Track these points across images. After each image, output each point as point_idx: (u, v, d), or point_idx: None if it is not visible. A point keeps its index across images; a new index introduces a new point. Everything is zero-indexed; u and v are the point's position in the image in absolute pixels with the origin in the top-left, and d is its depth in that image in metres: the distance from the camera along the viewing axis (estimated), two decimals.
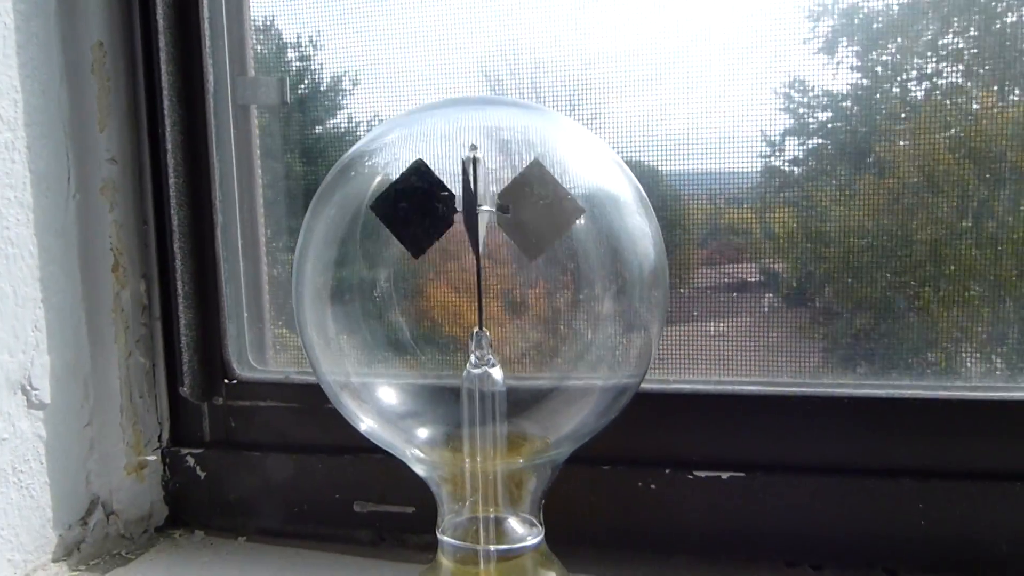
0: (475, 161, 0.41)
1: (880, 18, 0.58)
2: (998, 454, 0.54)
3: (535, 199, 0.41)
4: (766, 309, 0.62)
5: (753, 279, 0.62)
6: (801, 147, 0.60)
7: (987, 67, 0.56)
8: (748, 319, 0.62)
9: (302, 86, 0.68)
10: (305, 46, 0.67)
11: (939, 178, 0.57)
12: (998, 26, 0.56)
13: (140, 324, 0.66)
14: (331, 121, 0.69)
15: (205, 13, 0.64)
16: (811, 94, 0.58)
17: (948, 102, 0.57)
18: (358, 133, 0.68)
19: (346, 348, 0.45)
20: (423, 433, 0.46)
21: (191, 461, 0.67)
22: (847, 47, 0.58)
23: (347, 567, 0.60)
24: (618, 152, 0.58)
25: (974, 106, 0.56)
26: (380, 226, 0.44)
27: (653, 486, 0.58)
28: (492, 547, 0.44)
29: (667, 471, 0.58)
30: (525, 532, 0.45)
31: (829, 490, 0.56)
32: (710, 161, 0.60)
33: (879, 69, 0.58)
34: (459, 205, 0.42)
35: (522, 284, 0.46)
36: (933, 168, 0.57)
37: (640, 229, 0.45)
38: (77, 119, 0.61)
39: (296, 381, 0.66)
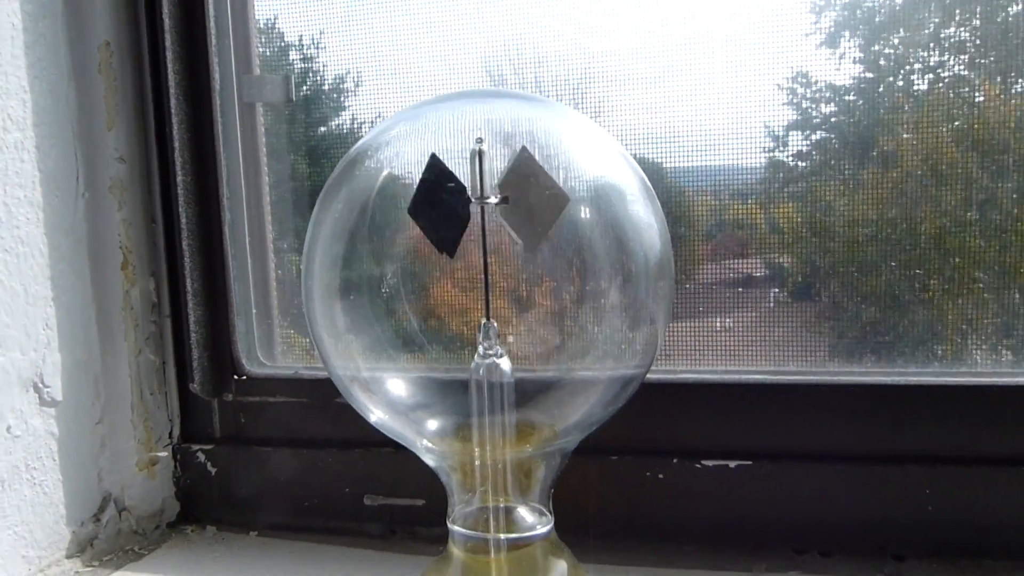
0: (480, 154, 0.42)
1: (883, 10, 0.58)
2: (1005, 439, 0.54)
3: (525, 188, 0.42)
4: (772, 303, 0.62)
5: (759, 273, 0.63)
6: (806, 141, 0.60)
7: (991, 58, 0.56)
8: (754, 313, 0.62)
9: (305, 86, 0.69)
10: (308, 46, 0.68)
11: (944, 170, 0.57)
12: (1001, 17, 0.56)
13: (150, 322, 0.66)
14: (336, 121, 0.70)
15: (211, 12, 0.64)
16: (815, 88, 0.59)
17: (952, 94, 0.57)
18: (362, 132, 0.68)
19: (355, 342, 0.46)
20: (433, 424, 0.46)
21: (202, 457, 0.68)
22: (850, 40, 0.58)
23: (358, 560, 0.61)
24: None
25: (978, 97, 0.56)
26: (387, 220, 0.44)
27: (661, 476, 0.59)
28: (503, 536, 0.45)
29: (675, 460, 0.59)
30: (535, 521, 0.45)
31: (836, 477, 0.56)
32: (714, 156, 0.60)
33: (882, 62, 0.58)
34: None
35: (528, 276, 0.47)
36: (938, 160, 0.57)
37: (645, 220, 0.45)
38: (85, 119, 0.61)
39: (305, 376, 0.66)
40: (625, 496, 0.59)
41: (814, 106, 0.59)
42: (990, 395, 0.55)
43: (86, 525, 0.62)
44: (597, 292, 0.45)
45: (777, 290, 0.62)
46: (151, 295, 0.66)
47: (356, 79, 0.67)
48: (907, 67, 0.58)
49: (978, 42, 0.56)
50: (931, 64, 0.57)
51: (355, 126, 0.69)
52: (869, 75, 0.58)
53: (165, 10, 0.62)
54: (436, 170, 0.42)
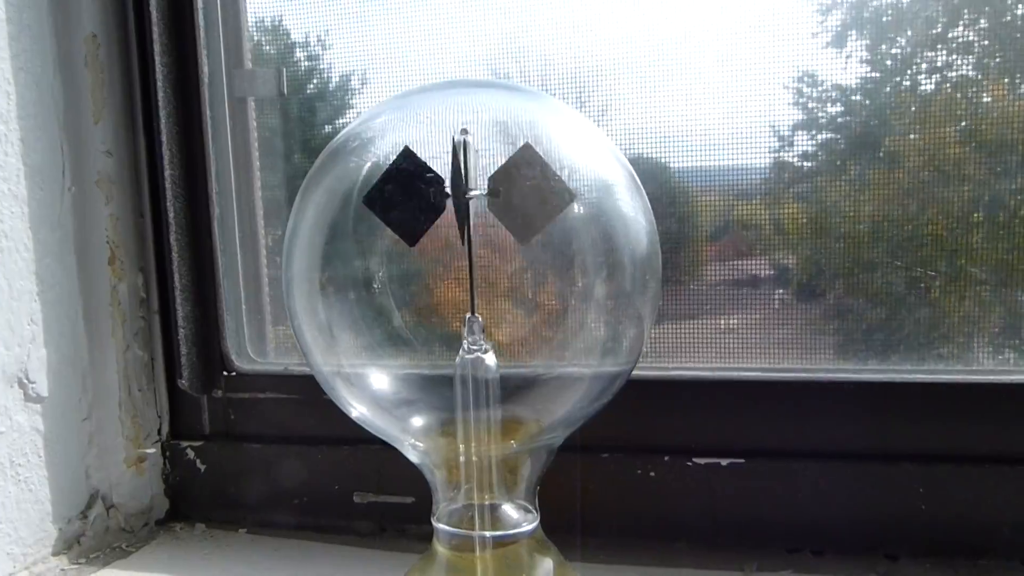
0: (465, 144, 0.41)
1: (890, 11, 0.57)
2: (999, 438, 0.54)
3: (525, 182, 0.41)
4: (777, 303, 0.61)
5: (763, 273, 0.62)
6: (811, 141, 0.59)
7: (998, 59, 0.56)
8: (758, 313, 0.62)
9: (310, 85, 0.68)
10: (313, 45, 0.67)
11: (950, 170, 0.56)
12: (1008, 18, 0.55)
13: (138, 317, 0.66)
14: (330, 114, 0.69)
15: (199, 5, 0.64)
16: (821, 88, 0.58)
17: (959, 94, 0.56)
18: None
19: (337, 336, 0.45)
20: (417, 420, 0.45)
21: (191, 454, 0.67)
22: (857, 40, 0.57)
23: (347, 558, 0.60)
24: (627, 148, 0.59)
25: (985, 98, 0.56)
26: (371, 212, 0.43)
27: (652, 473, 0.58)
28: (488, 533, 0.44)
29: (666, 458, 0.58)
30: (520, 518, 0.45)
31: (829, 475, 0.56)
32: (720, 156, 0.59)
33: (889, 62, 0.58)
34: (449, 190, 0.41)
35: (514, 270, 0.46)
36: (944, 161, 0.56)
37: (632, 214, 0.44)
38: (71, 112, 0.61)
39: (295, 373, 0.66)
40: (616, 494, 0.59)
41: (820, 107, 0.58)
42: (985, 393, 0.54)
43: (73, 522, 0.62)
44: (583, 287, 0.45)
45: (782, 290, 0.61)
46: (139, 290, 0.66)
47: (360, 78, 0.66)
48: (914, 67, 0.57)
49: (985, 42, 0.56)
50: (938, 64, 0.57)
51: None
52: (876, 75, 0.58)
53: (153, 2, 0.61)
54: (411, 160, 0.41)
